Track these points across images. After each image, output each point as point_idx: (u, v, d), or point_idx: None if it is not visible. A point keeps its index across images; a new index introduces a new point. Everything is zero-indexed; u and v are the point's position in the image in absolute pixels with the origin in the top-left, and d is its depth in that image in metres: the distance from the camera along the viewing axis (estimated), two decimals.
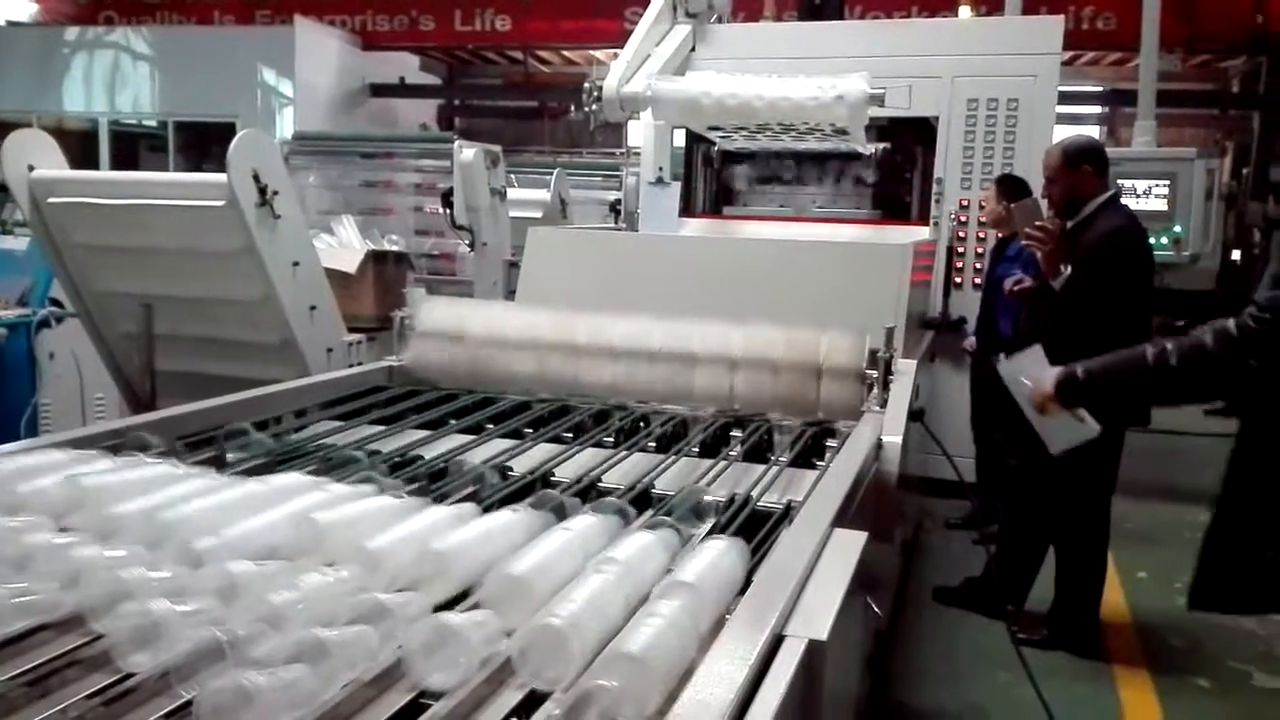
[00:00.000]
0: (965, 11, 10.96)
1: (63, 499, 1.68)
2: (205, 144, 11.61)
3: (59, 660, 1.33)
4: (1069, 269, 3.49)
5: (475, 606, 1.40)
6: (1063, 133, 4.44)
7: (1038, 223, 3.61)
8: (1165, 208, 7.45)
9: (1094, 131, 14.43)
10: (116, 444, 2.10)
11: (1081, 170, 3.58)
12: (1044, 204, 3.81)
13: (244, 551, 1.49)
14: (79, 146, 11.62)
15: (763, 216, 5.41)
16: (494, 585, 1.41)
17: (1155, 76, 8.01)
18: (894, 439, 2.60)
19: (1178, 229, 7.47)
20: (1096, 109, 14.46)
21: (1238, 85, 13.94)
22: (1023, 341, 3.48)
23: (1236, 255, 12.64)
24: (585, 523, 1.68)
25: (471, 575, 1.49)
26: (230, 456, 2.20)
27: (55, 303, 4.97)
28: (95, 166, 11.24)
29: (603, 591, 1.38)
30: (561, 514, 1.78)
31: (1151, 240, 7.19)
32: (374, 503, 1.73)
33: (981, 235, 5.09)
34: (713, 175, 5.71)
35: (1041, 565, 3.91)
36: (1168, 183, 7.51)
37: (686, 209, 5.45)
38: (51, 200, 4.18)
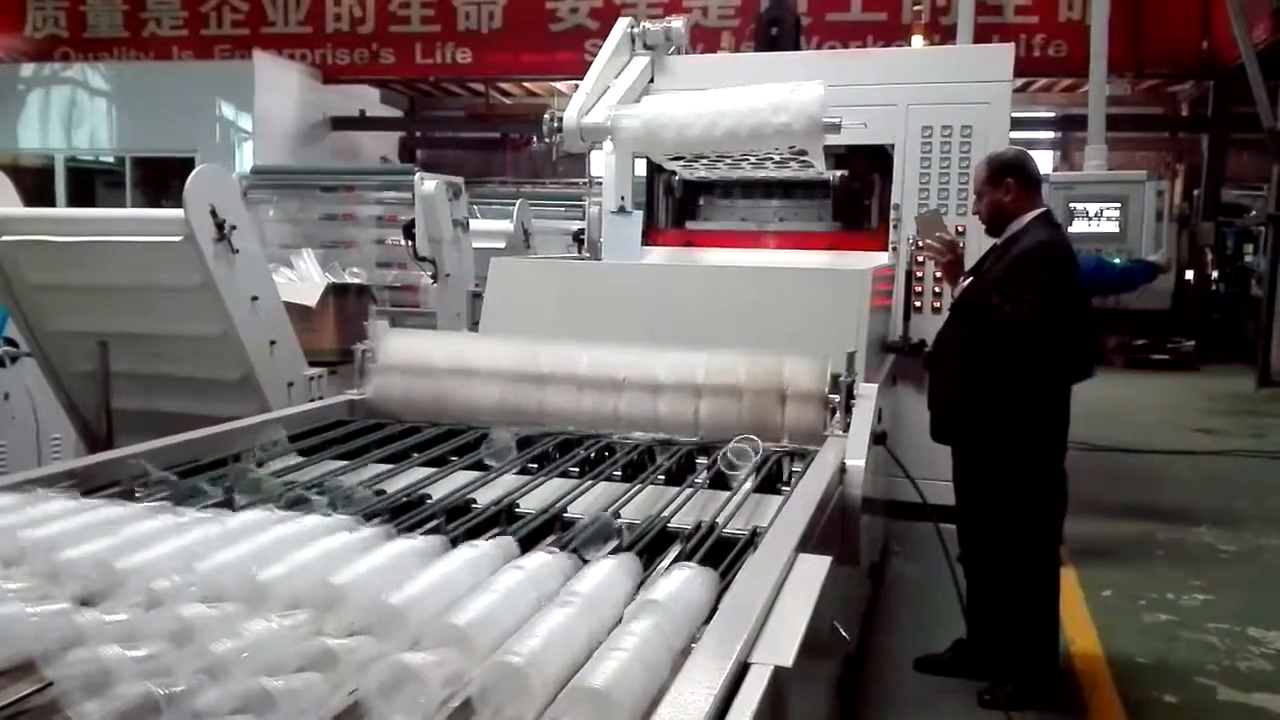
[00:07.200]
0: (918, 41, 11.21)
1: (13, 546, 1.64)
2: (164, 179, 11.53)
3: (8, 709, 1.30)
4: (967, 279, 3.50)
5: None
6: None
7: (937, 234, 3.62)
8: (1117, 229, 7.59)
9: (1047, 156, 14.73)
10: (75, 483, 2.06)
11: (1005, 183, 3.50)
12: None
13: (199, 593, 1.46)
14: (35, 183, 11.52)
15: (725, 240, 5.45)
16: (437, 636, 1.37)
17: (1104, 101, 8.18)
18: (857, 463, 2.61)
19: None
20: (1050, 134, 14.74)
21: (1186, 109, 14.29)
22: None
23: (1190, 275, 12.92)
24: (539, 561, 1.64)
25: (421, 623, 1.42)
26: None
27: (10, 342, 4.89)
28: (52, 204, 11.14)
29: (565, 626, 1.36)
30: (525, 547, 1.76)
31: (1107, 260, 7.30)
32: (331, 540, 1.71)
33: None
34: (674, 204, 5.75)
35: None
36: (1119, 205, 7.66)
37: (648, 237, 5.48)
38: (5, 238, 4.12)
